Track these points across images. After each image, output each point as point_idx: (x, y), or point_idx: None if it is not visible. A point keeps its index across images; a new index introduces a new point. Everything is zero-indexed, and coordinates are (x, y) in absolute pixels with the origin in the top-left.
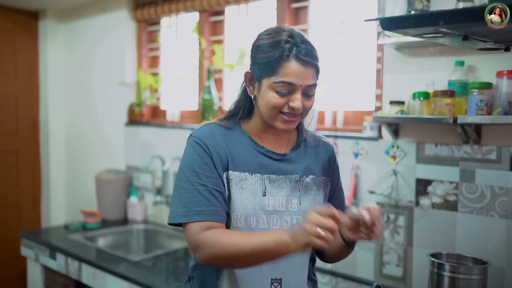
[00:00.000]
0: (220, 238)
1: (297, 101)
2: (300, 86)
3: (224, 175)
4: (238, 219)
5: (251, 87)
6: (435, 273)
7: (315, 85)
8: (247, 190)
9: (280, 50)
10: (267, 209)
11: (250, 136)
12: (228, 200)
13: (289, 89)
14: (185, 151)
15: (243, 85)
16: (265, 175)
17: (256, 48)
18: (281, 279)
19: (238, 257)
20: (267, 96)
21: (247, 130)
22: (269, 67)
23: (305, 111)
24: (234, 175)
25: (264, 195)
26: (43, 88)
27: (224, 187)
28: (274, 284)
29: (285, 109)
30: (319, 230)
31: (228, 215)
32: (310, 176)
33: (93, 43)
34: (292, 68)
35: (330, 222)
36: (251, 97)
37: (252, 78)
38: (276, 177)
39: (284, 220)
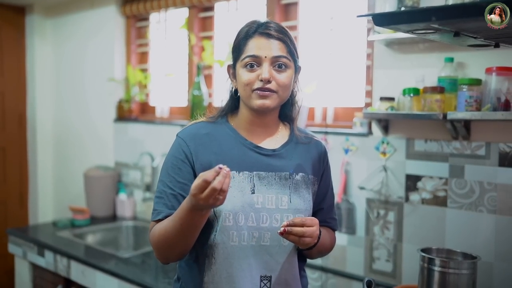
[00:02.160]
0: (154, 234)
1: (264, 71)
2: (265, 57)
3: None
4: (227, 218)
5: (233, 80)
6: (426, 268)
7: (283, 57)
8: (234, 188)
9: (245, 33)
10: (256, 206)
11: (237, 131)
12: None
13: (255, 61)
14: (170, 149)
15: (228, 81)
16: (254, 172)
17: (234, 41)
18: (270, 276)
19: (171, 242)
20: (240, 76)
21: (235, 125)
22: (238, 50)
23: (280, 87)
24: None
25: (253, 193)
26: (30, 84)
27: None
28: (263, 281)
29: (257, 85)
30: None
31: (215, 213)
32: (300, 174)
33: (81, 39)
34: (255, 42)
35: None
36: (234, 90)
37: (231, 70)
38: (266, 174)
39: (274, 218)
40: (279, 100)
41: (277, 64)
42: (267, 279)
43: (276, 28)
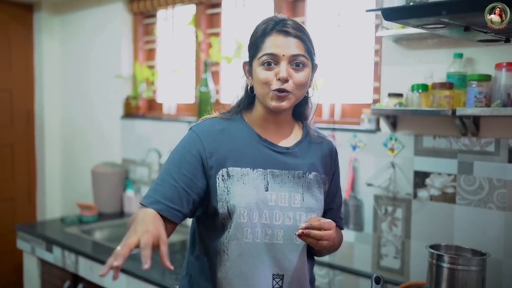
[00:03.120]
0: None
1: (282, 70)
2: (283, 56)
3: (220, 172)
4: (241, 214)
5: (249, 77)
6: (434, 265)
7: (302, 56)
8: (249, 185)
9: (262, 30)
10: (270, 204)
11: (252, 127)
12: (227, 196)
13: (273, 59)
14: (181, 142)
15: (243, 78)
16: (268, 170)
17: (250, 38)
18: (283, 275)
19: None
20: (257, 74)
21: (249, 121)
22: (255, 47)
23: (296, 86)
24: (235, 171)
25: (267, 190)
26: (38, 81)
27: (216, 186)
28: (275, 279)
29: (275, 85)
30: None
31: (230, 210)
32: (313, 173)
33: (88, 36)
34: (273, 40)
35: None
36: (251, 88)
37: (247, 67)
38: (280, 172)
39: (287, 216)
40: (295, 99)
41: (295, 62)
42: (279, 277)
43: (294, 26)
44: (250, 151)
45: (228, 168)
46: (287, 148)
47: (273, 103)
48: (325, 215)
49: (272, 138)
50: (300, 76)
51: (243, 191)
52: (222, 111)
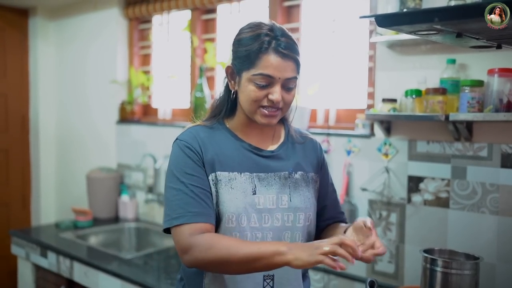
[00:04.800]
0: (216, 241)
1: (276, 93)
2: (279, 78)
3: (211, 177)
4: (230, 219)
5: (232, 82)
6: (428, 269)
7: (295, 78)
8: (237, 189)
9: (260, 43)
10: (258, 207)
11: (235, 133)
12: (216, 201)
13: (268, 81)
14: (173, 155)
15: (225, 80)
16: (254, 174)
17: (236, 42)
18: (273, 276)
19: (230, 262)
20: (247, 89)
21: (231, 127)
22: (248, 60)
23: (285, 105)
24: (223, 175)
25: (254, 194)
26: (33, 86)
27: (210, 189)
28: (266, 280)
29: (265, 102)
30: (331, 263)
31: (218, 215)
32: (299, 172)
33: (84, 41)
34: (271, 61)
35: (343, 252)
36: (233, 93)
37: (233, 72)
38: (265, 175)
39: (275, 218)
40: (282, 114)
41: (288, 85)
42: (270, 278)
43: (292, 47)
44: (236, 155)
45: (217, 173)
46: (272, 152)
47: (262, 120)
48: (322, 214)
49: (256, 142)
50: (290, 96)
51: (230, 196)
52: (204, 118)
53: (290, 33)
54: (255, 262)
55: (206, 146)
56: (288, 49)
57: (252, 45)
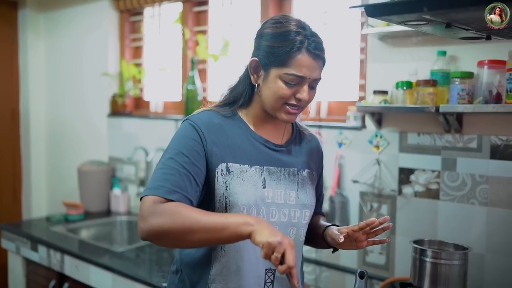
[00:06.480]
0: (181, 209)
1: (304, 92)
2: (309, 79)
3: (220, 166)
4: (241, 211)
5: (255, 75)
6: (418, 259)
7: (320, 78)
8: (248, 182)
9: (292, 42)
10: (267, 201)
11: (248, 124)
12: (225, 192)
13: (298, 81)
14: (179, 131)
15: (245, 72)
16: (265, 167)
17: (263, 36)
18: (274, 270)
19: (194, 230)
20: (275, 86)
21: (245, 118)
22: (280, 58)
23: (307, 103)
24: (234, 167)
25: (264, 187)
26: (24, 78)
27: (215, 180)
28: (268, 274)
29: (291, 101)
30: (278, 256)
31: (226, 206)
32: (306, 170)
33: (74, 33)
34: (304, 62)
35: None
36: (253, 85)
37: (258, 66)
38: (275, 169)
39: (282, 213)
40: (301, 111)
41: (313, 84)
42: (271, 272)
43: (322, 47)
44: (248, 148)
45: (228, 164)
46: (281, 146)
47: (285, 117)
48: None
49: (267, 135)
50: (313, 94)
51: (242, 188)
52: (218, 104)
53: (317, 30)
54: (222, 231)
55: (218, 133)
56: (319, 49)
57: (284, 43)
